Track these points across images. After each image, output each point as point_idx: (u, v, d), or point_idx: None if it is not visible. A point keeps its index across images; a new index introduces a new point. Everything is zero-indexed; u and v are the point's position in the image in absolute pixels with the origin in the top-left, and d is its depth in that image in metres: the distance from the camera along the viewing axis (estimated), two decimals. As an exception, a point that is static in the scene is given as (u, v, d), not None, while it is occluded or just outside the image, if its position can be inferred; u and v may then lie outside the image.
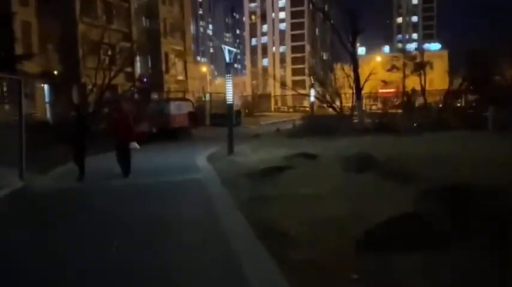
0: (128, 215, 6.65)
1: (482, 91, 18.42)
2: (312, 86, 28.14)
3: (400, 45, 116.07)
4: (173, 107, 19.62)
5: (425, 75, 23.32)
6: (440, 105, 20.84)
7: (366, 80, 21.25)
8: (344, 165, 8.88)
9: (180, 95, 25.96)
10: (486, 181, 5.91)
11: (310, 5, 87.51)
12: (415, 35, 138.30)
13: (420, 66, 24.46)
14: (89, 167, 10.20)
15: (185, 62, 48.37)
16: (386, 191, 6.40)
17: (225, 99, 30.84)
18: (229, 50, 12.82)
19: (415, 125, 17.34)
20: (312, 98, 28.16)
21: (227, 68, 12.97)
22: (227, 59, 12.77)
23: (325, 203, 6.23)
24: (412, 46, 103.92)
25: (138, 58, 38.86)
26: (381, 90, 61.48)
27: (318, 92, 26.11)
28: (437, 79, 36.01)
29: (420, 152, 9.61)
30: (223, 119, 30.80)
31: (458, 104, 22.96)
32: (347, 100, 24.84)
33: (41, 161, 11.39)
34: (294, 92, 35.90)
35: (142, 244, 5.16)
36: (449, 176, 6.72)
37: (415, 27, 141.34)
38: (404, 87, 28.69)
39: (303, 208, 6.14)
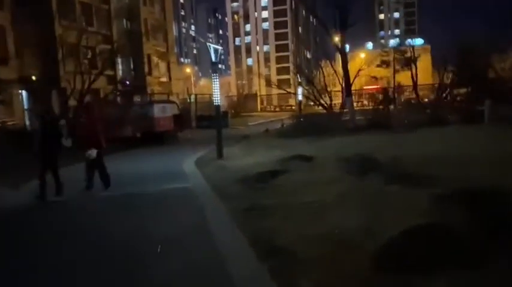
0: (105, 237, 5.79)
1: (475, 85, 18.04)
2: (299, 84, 27.56)
3: (382, 41, 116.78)
4: (157, 110, 18.80)
5: (416, 69, 22.94)
6: (427, 100, 20.42)
7: (355, 76, 20.76)
8: (344, 167, 8.26)
9: (164, 97, 25.04)
10: (507, 182, 5.34)
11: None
12: (397, 31, 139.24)
13: (410, 61, 24.11)
14: (63, 178, 9.19)
15: (168, 63, 47.45)
16: (397, 197, 5.79)
17: (211, 101, 30.30)
18: (214, 49, 12.13)
19: (406, 121, 16.88)
20: (300, 97, 27.58)
21: (213, 67, 12.29)
22: (213, 58, 12.07)
23: (331, 212, 5.59)
24: (394, 42, 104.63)
25: (119, 60, 37.94)
26: (365, 87, 61.58)
27: (306, 90, 25.52)
28: (421, 74, 36.57)
29: (422, 151, 9.06)
30: (210, 121, 30.13)
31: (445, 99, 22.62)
32: (335, 98, 24.35)
33: (13, 173, 10.53)
34: (281, 91, 35.33)
35: (120, 275, 4.44)
36: (462, 178, 6.15)
37: (396, 23, 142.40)
38: (394, 83, 28.38)
39: (306, 219, 5.49)
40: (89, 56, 34.69)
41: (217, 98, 12.23)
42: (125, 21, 39.86)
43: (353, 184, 6.97)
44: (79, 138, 8.95)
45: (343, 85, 19.36)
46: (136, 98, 21.86)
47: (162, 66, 46.63)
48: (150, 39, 43.22)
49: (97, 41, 32.24)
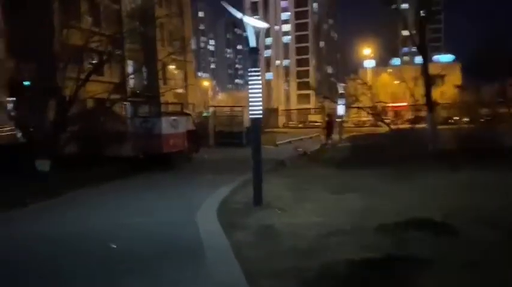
0: None
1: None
2: (340, 95, 22.63)
3: (406, 57, 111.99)
4: (166, 125, 14.03)
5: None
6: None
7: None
8: None
9: (177, 108, 20.70)
10: None
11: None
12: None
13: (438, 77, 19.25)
14: None
15: (185, 74, 43.28)
16: None
17: (231, 115, 25.65)
18: (254, 29, 7.49)
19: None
20: (341, 111, 22.69)
21: (251, 57, 7.63)
22: (251, 42, 7.44)
23: None
24: (419, 59, 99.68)
25: (130, 67, 33.93)
26: (391, 104, 56.69)
27: (352, 102, 20.30)
28: (450, 92, 33.04)
29: None
30: (231, 138, 25.55)
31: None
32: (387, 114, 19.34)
33: None
34: (328, 103, 30.23)
35: None
36: None
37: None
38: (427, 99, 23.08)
39: None
40: (94, 61, 30.74)
41: (258, 105, 7.49)
42: (138, 24, 35.97)
43: None
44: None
45: (424, 97, 14.56)
46: (143, 109, 17.32)
47: (179, 76, 42.49)
48: (165, 45, 39.16)
49: (105, 45, 28.24)
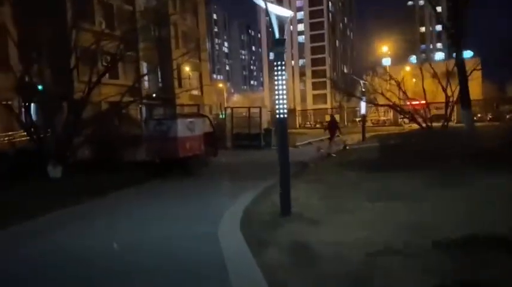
0: None
1: None
2: (362, 93, 21.46)
3: (424, 55, 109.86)
4: (182, 127, 13.19)
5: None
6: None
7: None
8: None
9: (193, 109, 19.75)
10: None
11: None
12: (439, 45, 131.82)
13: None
14: None
15: (200, 75, 42.63)
16: None
17: (249, 116, 24.76)
18: (277, 18, 6.65)
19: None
20: (364, 109, 21.57)
21: (277, 49, 6.78)
22: (276, 34, 6.59)
23: None
24: (439, 55, 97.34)
25: (145, 70, 33.41)
26: (408, 103, 54.97)
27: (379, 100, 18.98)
28: (472, 89, 31.89)
29: None
30: (248, 140, 24.68)
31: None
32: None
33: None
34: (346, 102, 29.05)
35: None
36: None
37: (439, 36, 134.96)
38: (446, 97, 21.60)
39: None
40: (108, 64, 30.19)
41: (283, 103, 6.62)
42: (152, 26, 35.48)
43: None
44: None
45: (459, 92, 13.45)
46: (158, 111, 16.54)
47: (193, 78, 41.87)
48: (180, 46, 38.58)
49: (117, 45, 27.73)
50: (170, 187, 11.30)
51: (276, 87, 6.68)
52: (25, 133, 18.47)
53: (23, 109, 21.04)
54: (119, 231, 6.71)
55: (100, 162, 13.19)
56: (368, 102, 17.46)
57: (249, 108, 24.70)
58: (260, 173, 12.65)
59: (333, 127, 17.97)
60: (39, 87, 23.07)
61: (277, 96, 6.63)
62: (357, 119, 50.38)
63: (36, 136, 13.75)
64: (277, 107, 6.63)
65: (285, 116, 6.70)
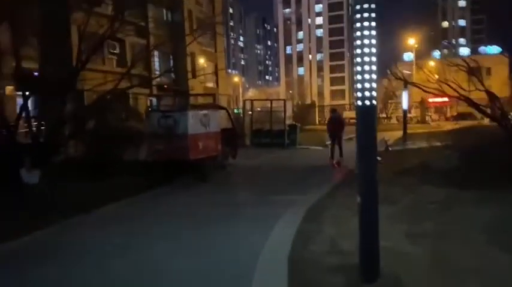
0: None
1: None
2: (405, 85, 18.09)
3: (445, 51, 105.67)
4: (194, 122, 10.24)
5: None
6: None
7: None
8: None
9: (208, 100, 16.68)
10: None
11: None
12: (462, 40, 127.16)
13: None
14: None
15: (216, 66, 39.89)
16: None
17: (270, 110, 21.76)
18: None
19: None
20: (405, 105, 18.47)
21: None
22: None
23: None
24: (465, 51, 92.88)
25: (156, 58, 30.83)
26: (431, 100, 51.22)
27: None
28: (496, 86, 29.31)
29: None
30: (270, 138, 21.71)
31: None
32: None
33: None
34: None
35: None
36: None
37: (462, 31, 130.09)
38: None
39: None
40: (116, 51, 27.69)
41: (372, 83, 3.77)
42: (164, 11, 32.88)
43: None
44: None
45: None
46: (166, 100, 13.88)
47: (209, 69, 39.17)
48: (194, 35, 35.89)
49: (128, 33, 25.16)
50: (176, 202, 8.49)
51: (357, 61, 3.83)
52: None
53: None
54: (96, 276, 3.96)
55: (94, 162, 10.53)
56: (431, 93, 13.72)
57: (271, 101, 21.74)
58: (294, 183, 9.86)
59: (337, 127, 13.86)
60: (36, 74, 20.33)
61: (359, 73, 3.78)
62: (381, 116, 47.11)
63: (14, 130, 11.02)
64: (360, 88, 3.78)
65: (374, 102, 3.85)
